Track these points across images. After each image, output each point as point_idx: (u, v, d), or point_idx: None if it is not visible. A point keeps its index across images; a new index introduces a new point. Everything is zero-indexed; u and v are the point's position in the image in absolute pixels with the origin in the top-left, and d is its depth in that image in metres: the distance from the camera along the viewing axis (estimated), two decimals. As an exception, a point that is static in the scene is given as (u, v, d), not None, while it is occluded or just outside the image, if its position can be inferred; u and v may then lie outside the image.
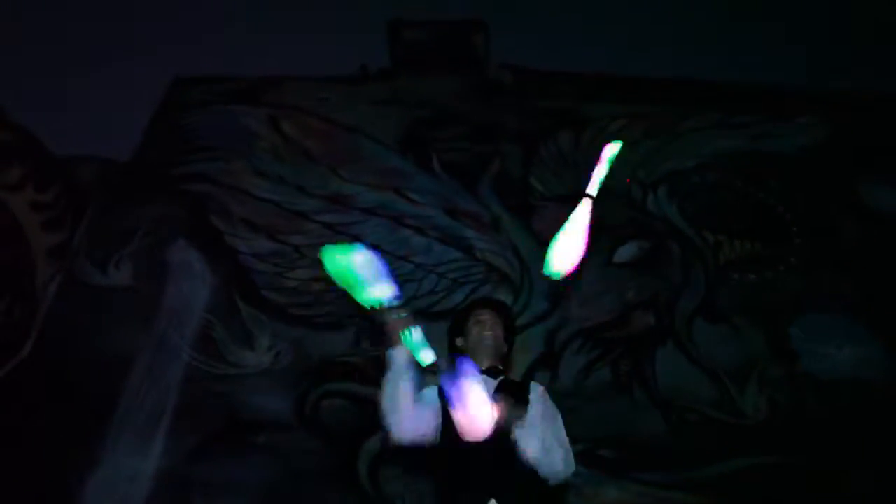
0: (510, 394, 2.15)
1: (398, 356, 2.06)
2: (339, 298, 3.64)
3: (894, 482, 3.09)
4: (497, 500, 1.92)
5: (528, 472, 2.00)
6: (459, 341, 2.36)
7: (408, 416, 2.04)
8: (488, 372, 2.22)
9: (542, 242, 3.80)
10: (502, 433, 2.05)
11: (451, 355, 2.41)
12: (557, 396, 2.19)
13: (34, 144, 3.87)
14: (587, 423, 3.21)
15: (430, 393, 2.18)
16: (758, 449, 3.24)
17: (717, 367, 3.48)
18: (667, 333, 3.60)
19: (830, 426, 3.29)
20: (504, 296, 3.64)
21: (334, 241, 3.79)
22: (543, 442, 1.99)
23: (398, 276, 3.64)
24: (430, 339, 3.45)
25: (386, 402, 2.04)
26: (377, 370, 3.36)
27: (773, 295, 3.74)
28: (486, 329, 2.29)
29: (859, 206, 4.08)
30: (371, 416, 3.23)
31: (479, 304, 2.50)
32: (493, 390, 2.16)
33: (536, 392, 2.19)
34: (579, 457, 3.07)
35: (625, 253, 3.86)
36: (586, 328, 3.59)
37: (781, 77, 4.55)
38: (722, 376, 3.45)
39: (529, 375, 3.32)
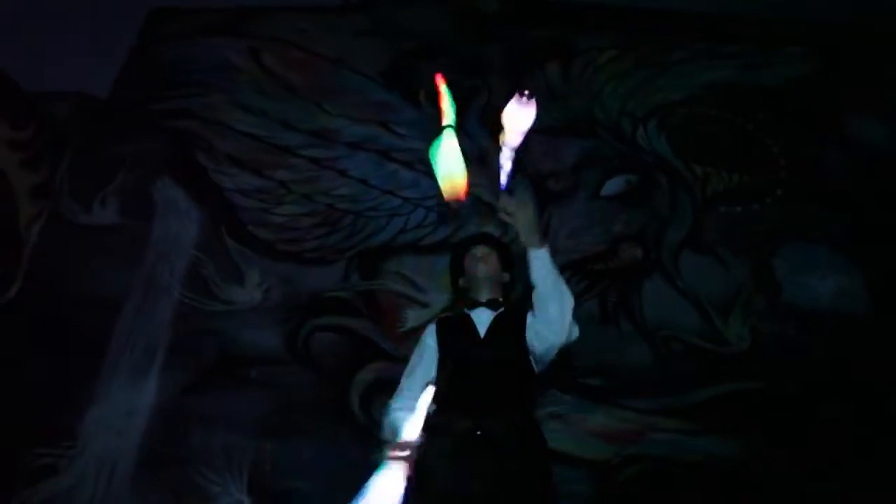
0: (508, 324, 2.19)
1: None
2: (328, 234, 3.70)
3: (871, 410, 3.19)
4: (483, 431, 1.98)
5: (516, 403, 2.06)
6: (461, 281, 2.40)
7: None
8: (488, 304, 2.25)
9: (528, 175, 3.83)
10: (495, 361, 2.09)
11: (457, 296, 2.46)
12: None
13: (5, 81, 3.76)
14: (574, 352, 3.27)
15: (422, 349, 2.22)
16: (740, 376, 3.33)
17: (703, 297, 3.53)
18: (654, 265, 3.64)
19: (811, 355, 3.37)
20: (492, 229, 3.65)
21: (320, 176, 3.87)
22: (558, 288, 2.07)
23: (385, 210, 3.73)
24: (420, 272, 3.53)
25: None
26: (366, 303, 3.47)
27: (758, 226, 3.76)
28: (479, 262, 2.32)
29: (846, 138, 4.07)
30: (361, 349, 3.34)
31: (472, 239, 2.52)
32: (490, 322, 2.20)
33: (532, 315, 2.23)
34: (567, 386, 3.20)
35: (612, 186, 3.85)
36: (574, 260, 3.61)
37: (772, 7, 4.46)
38: (707, 306, 3.51)
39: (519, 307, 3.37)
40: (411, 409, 2.01)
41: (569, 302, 2.08)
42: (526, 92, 2.07)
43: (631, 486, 3.09)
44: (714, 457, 3.13)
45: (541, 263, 2.08)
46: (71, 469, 3.03)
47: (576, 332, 2.11)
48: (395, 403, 2.15)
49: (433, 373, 2.15)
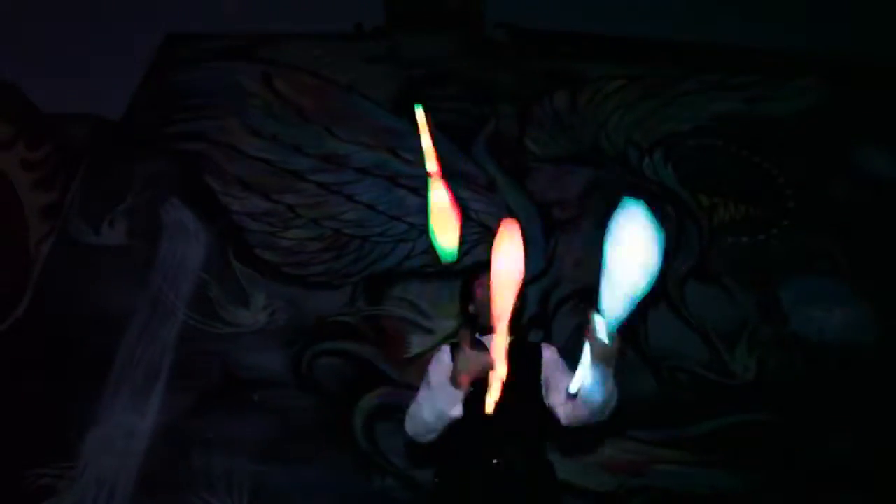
0: (520, 356, 2.18)
1: (452, 396, 1.93)
2: (334, 258, 3.72)
3: (876, 441, 3.16)
4: (498, 460, 1.97)
5: (533, 435, 2.05)
6: (471, 307, 2.39)
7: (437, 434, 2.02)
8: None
9: (537, 203, 3.86)
10: (512, 393, 2.08)
11: (464, 319, 2.44)
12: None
13: (23, 102, 3.83)
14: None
15: (437, 367, 2.18)
16: (745, 407, 3.30)
17: (708, 328, 3.52)
18: (659, 295, 3.63)
19: (817, 387, 3.35)
20: (498, 255, 3.66)
21: (328, 201, 3.90)
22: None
23: (392, 236, 3.74)
24: (425, 298, 3.53)
25: (427, 427, 1.98)
26: (371, 328, 3.47)
27: (765, 257, 3.76)
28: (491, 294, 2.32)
29: (853, 170, 4.08)
30: (365, 375, 3.33)
31: (483, 266, 2.51)
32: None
33: (550, 352, 2.22)
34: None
35: (619, 215, 3.86)
36: (580, 289, 3.61)
37: (780, 40, 4.50)
38: (712, 337, 3.50)
39: (524, 335, 3.36)
40: None
41: (614, 402, 1.99)
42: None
43: (636, 519, 3.06)
44: (718, 489, 3.10)
45: (602, 377, 1.91)
46: (70, 490, 3.02)
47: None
48: None
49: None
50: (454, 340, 2.44)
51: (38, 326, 3.45)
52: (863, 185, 4.01)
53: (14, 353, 3.35)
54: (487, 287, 2.30)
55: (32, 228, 3.68)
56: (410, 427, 2.04)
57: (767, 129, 4.22)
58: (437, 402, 1.95)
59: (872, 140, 4.14)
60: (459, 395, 1.90)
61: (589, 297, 3.41)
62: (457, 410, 1.95)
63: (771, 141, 4.18)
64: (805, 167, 4.08)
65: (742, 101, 4.33)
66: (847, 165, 4.09)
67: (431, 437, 2.02)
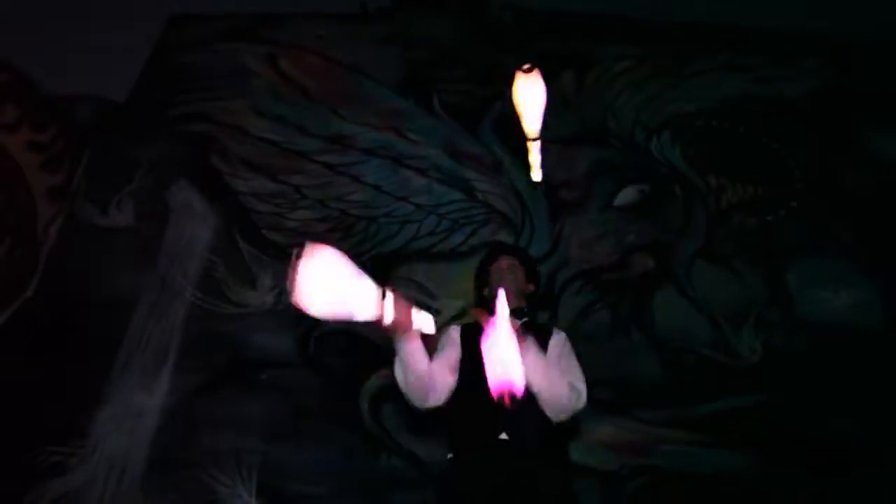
0: (531, 336, 2.20)
1: (406, 343, 2.00)
2: (341, 239, 3.72)
3: (881, 423, 3.16)
4: (508, 435, 1.99)
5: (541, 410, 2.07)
6: (486, 291, 2.41)
7: (428, 390, 2.04)
8: (513, 313, 2.26)
9: (543, 184, 3.83)
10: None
11: (480, 305, 2.46)
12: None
13: (27, 83, 3.82)
14: (585, 363, 3.26)
15: (445, 340, 2.21)
16: (751, 389, 3.30)
17: (715, 309, 3.52)
18: (666, 276, 3.63)
19: (822, 368, 3.34)
20: (504, 237, 3.67)
21: (334, 182, 3.90)
22: (547, 377, 2.01)
23: (398, 217, 3.74)
24: (432, 278, 3.54)
25: (405, 385, 2.03)
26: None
27: (772, 239, 3.75)
28: (505, 276, 2.34)
29: (863, 151, 4.05)
30: (372, 355, 3.34)
31: (498, 252, 2.53)
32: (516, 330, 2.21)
33: (559, 337, 2.23)
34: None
35: (626, 196, 3.85)
36: (586, 270, 3.61)
37: (788, 20, 4.45)
38: (719, 318, 3.49)
39: (535, 314, 3.37)
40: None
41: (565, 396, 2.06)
42: (526, 66, 2.05)
43: (640, 498, 3.08)
44: (723, 470, 3.11)
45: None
46: (81, 468, 3.06)
47: (583, 401, 2.10)
48: None
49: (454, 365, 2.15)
50: (464, 321, 2.46)
51: (48, 306, 3.47)
52: (871, 166, 3.98)
53: (24, 333, 3.38)
54: (506, 273, 2.33)
55: (40, 210, 3.69)
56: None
57: (776, 110, 4.20)
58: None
59: (881, 121, 4.11)
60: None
61: (595, 279, 3.41)
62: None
63: (779, 122, 4.16)
64: (813, 148, 4.06)
65: (750, 82, 4.29)
66: (856, 146, 4.07)
67: (414, 393, 2.02)
